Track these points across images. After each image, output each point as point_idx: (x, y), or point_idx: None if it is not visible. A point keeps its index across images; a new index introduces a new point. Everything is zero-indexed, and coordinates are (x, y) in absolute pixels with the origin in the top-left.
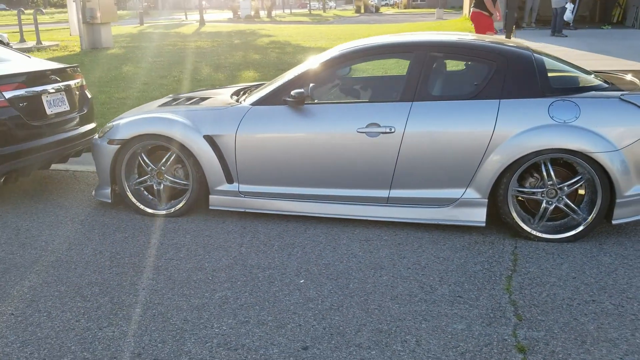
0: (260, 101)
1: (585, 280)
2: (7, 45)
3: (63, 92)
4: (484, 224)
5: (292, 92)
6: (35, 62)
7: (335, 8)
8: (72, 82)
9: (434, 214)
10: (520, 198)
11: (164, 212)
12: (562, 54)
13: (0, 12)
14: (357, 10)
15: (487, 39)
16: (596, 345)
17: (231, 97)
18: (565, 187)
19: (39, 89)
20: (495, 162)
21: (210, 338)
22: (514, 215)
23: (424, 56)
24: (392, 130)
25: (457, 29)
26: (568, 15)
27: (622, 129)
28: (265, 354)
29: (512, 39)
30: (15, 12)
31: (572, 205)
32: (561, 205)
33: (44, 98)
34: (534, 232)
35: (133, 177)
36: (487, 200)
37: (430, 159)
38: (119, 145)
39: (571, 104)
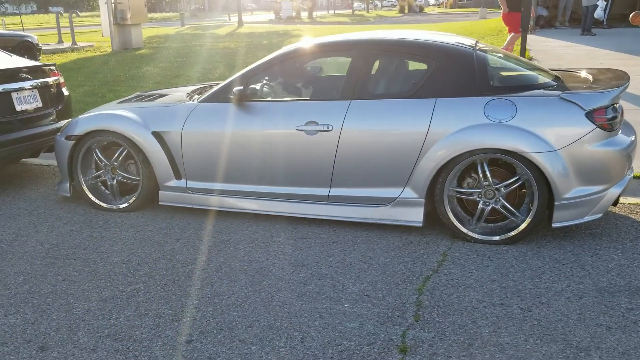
0: (207, 99)
1: (503, 283)
2: (35, 46)
3: (36, 90)
4: (420, 224)
5: (233, 90)
6: (13, 60)
7: (381, 8)
8: (47, 80)
9: (372, 213)
10: (460, 198)
11: (117, 206)
12: (584, 53)
13: (38, 15)
14: (401, 10)
15: (432, 37)
16: (482, 349)
17: (187, 95)
18: (502, 188)
19: (8, 86)
20: (430, 162)
21: (103, 329)
22: (450, 215)
23: (364, 55)
24: (330, 128)
25: (490, 28)
26: (600, 14)
27: (560, 129)
28: (148, 346)
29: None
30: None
31: (509, 207)
32: (498, 207)
33: (13, 95)
34: (470, 234)
35: (90, 172)
36: (424, 200)
37: (367, 157)
38: (74, 141)
39: (508, 103)
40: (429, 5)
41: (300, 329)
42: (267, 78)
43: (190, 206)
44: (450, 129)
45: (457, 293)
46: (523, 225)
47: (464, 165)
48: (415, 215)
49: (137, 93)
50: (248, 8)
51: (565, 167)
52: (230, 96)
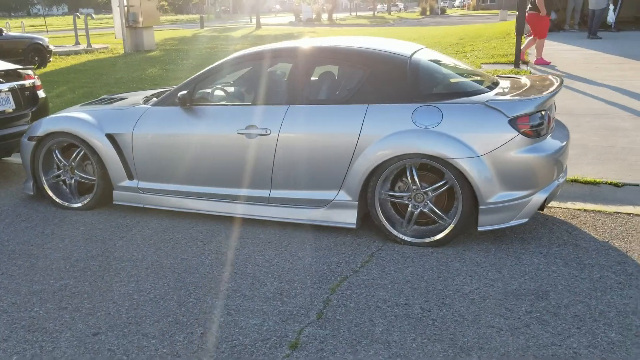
0: (158, 102)
1: (415, 284)
2: (46, 48)
3: (9, 93)
4: (354, 226)
5: (179, 94)
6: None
7: (405, 10)
8: (22, 83)
9: (310, 215)
10: (393, 202)
11: (75, 205)
12: (584, 57)
13: (69, 16)
14: (423, 12)
15: (373, 44)
16: (368, 346)
17: (143, 98)
18: (430, 192)
19: None
20: (362, 166)
21: (21, 320)
22: (381, 218)
23: (303, 61)
24: (268, 132)
25: (499, 31)
26: (611, 16)
27: (485, 135)
28: (57, 337)
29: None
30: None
31: (437, 210)
32: (426, 210)
33: None
34: (400, 236)
35: (52, 172)
36: (357, 202)
37: (303, 160)
38: (35, 142)
39: (434, 110)
40: (454, 7)
41: (204, 324)
42: (218, 83)
43: (141, 206)
44: (380, 135)
45: (367, 293)
46: (448, 229)
47: (393, 170)
48: (350, 217)
49: (104, 96)
50: (273, 10)
51: (488, 172)
52: (176, 100)
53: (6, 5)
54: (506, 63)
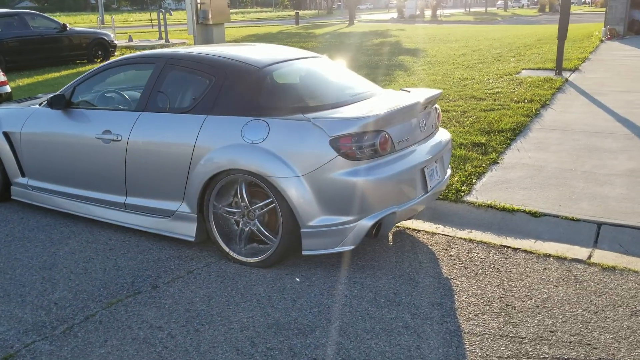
0: (45, 103)
1: (194, 307)
2: (110, 43)
3: None
4: (193, 239)
5: (49, 97)
6: None
7: (526, 6)
8: None
9: (156, 224)
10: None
11: None
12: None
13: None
14: (541, 9)
15: (234, 52)
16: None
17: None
18: (257, 210)
19: None
20: (196, 178)
21: None
22: (215, 233)
23: (159, 68)
24: (120, 138)
25: (589, 33)
26: None
27: (307, 154)
28: None
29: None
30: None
31: (263, 229)
32: (254, 229)
33: None
34: (232, 253)
35: None
36: (196, 215)
37: (150, 169)
38: None
39: (262, 125)
40: (583, 4)
41: None
42: (96, 87)
43: (32, 203)
44: (212, 147)
45: (138, 311)
46: (271, 250)
47: (226, 184)
48: (190, 230)
49: (39, 95)
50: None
51: (308, 194)
52: (45, 103)
53: (139, 0)
54: (548, 69)
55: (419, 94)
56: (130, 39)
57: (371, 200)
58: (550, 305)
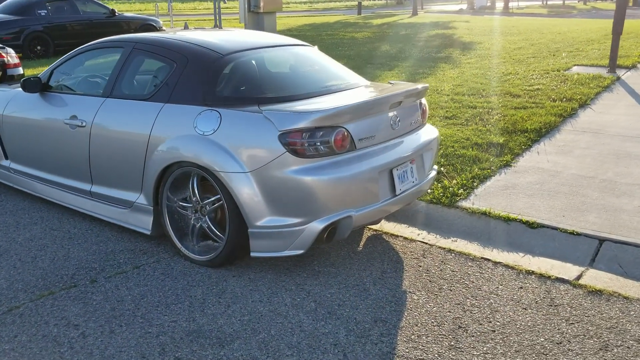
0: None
1: (112, 308)
2: (159, 29)
3: None
4: (149, 232)
5: (22, 80)
6: None
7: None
8: None
9: (117, 215)
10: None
11: None
12: None
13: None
14: (635, 3)
15: (199, 36)
16: None
17: None
18: (207, 206)
19: None
20: (150, 169)
21: None
22: (168, 228)
23: (126, 53)
24: (84, 124)
25: None
26: None
27: (255, 149)
28: None
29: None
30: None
31: (212, 227)
32: (205, 225)
33: None
34: (183, 250)
35: None
36: (152, 208)
37: (111, 157)
38: None
39: (215, 116)
40: None
41: None
42: (72, 70)
43: (14, 186)
44: (166, 137)
45: (62, 306)
46: (219, 250)
47: (179, 177)
48: (146, 223)
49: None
50: None
51: (255, 191)
52: (20, 85)
53: None
54: (602, 66)
55: (394, 88)
56: (186, 26)
57: (322, 201)
58: (509, 331)
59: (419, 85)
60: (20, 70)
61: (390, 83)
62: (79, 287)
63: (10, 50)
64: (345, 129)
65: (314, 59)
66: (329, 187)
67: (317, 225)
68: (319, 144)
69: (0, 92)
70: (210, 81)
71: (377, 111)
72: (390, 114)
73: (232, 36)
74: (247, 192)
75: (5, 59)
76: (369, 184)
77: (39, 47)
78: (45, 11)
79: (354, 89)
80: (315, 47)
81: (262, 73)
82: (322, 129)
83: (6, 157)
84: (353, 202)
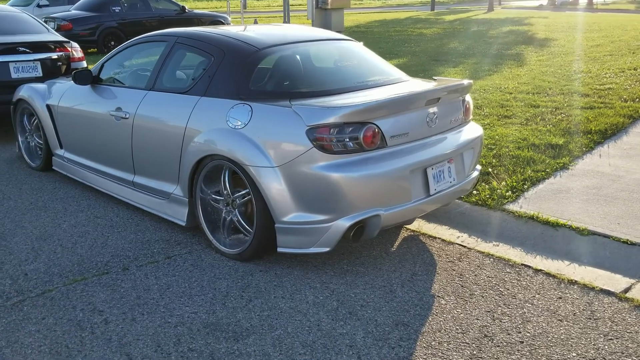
0: None
1: (141, 296)
2: (227, 23)
3: (37, 62)
4: (184, 223)
5: (74, 72)
6: (39, 35)
7: None
8: (50, 55)
9: (156, 205)
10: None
11: (34, 165)
12: None
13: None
14: None
15: (241, 30)
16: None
17: None
18: (237, 200)
19: (7, 58)
20: (186, 161)
21: None
22: (201, 220)
23: (169, 47)
24: (127, 116)
25: None
26: None
27: (285, 143)
28: None
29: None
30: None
31: (242, 221)
32: (235, 219)
33: (10, 65)
34: (215, 242)
35: (24, 134)
36: (187, 199)
37: (150, 149)
38: (13, 106)
39: (246, 109)
40: None
41: None
42: (122, 64)
43: (67, 174)
44: (201, 130)
45: (90, 292)
46: (247, 244)
47: (212, 169)
48: (181, 214)
49: None
50: None
51: (282, 186)
52: (71, 77)
53: None
54: None
55: (433, 84)
56: (256, 22)
57: (349, 199)
58: (538, 343)
59: (464, 81)
60: (84, 64)
61: (434, 79)
62: (111, 274)
63: (75, 44)
64: (376, 125)
65: (356, 54)
66: (357, 185)
67: (343, 223)
68: (347, 139)
69: (57, 84)
70: (244, 74)
71: (411, 108)
72: (428, 111)
73: (276, 30)
74: (274, 186)
75: (70, 52)
76: (399, 182)
77: (112, 43)
78: (120, 8)
79: (392, 85)
80: (361, 42)
81: (298, 67)
82: (351, 125)
83: (61, 147)
84: (382, 201)
